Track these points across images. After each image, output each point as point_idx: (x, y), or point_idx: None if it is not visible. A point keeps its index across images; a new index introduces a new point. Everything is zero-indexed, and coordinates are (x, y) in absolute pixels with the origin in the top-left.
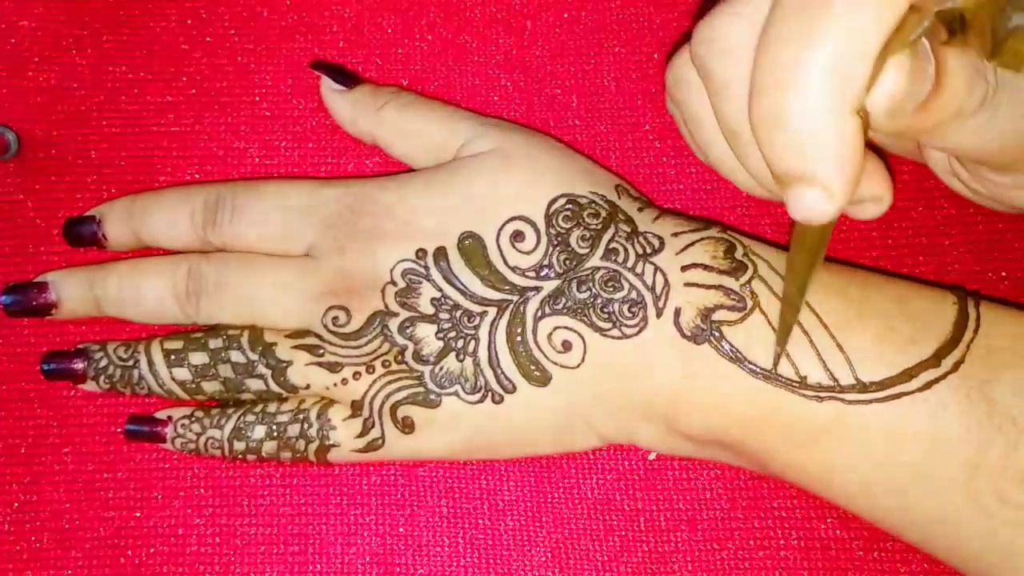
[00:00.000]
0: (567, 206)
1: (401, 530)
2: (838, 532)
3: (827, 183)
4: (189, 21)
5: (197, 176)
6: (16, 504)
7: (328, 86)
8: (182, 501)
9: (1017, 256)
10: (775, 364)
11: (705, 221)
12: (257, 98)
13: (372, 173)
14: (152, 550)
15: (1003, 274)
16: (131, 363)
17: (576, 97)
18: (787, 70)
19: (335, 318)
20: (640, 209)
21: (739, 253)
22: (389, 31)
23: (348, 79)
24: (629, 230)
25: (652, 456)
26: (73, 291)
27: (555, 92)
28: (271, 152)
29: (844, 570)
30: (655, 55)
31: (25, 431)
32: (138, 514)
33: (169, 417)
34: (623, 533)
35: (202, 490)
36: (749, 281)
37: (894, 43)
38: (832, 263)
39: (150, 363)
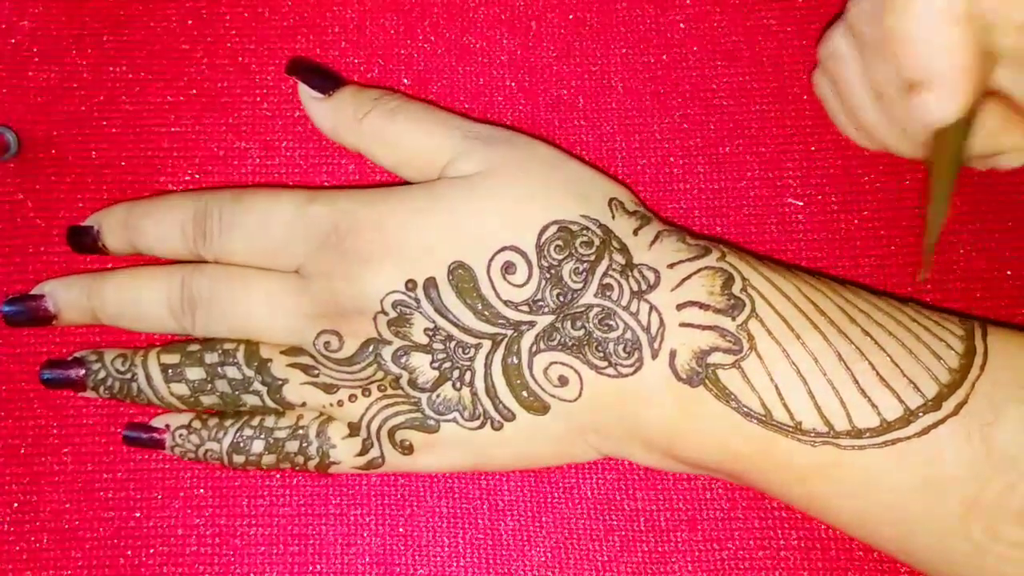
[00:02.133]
0: (558, 234)
1: (401, 530)
2: (838, 532)
3: (942, 85)
4: (189, 21)
5: (197, 176)
6: (16, 504)
7: (306, 93)
8: (182, 501)
9: (1023, 255)
10: (923, 275)
11: (704, 245)
12: (258, 98)
13: (372, 174)
14: (152, 550)
15: (1008, 273)
16: (129, 376)
17: (583, 98)
18: None
19: (327, 343)
20: (636, 231)
21: (737, 287)
22: (392, 32)
23: (328, 82)
24: (623, 262)
25: None
26: (71, 302)
27: (561, 93)
28: (272, 152)
29: (844, 570)
30: (663, 56)
31: (25, 431)
32: (138, 514)
33: (167, 426)
34: (623, 533)
35: (202, 490)
36: (746, 322)
37: None
38: (838, 289)
39: (147, 377)
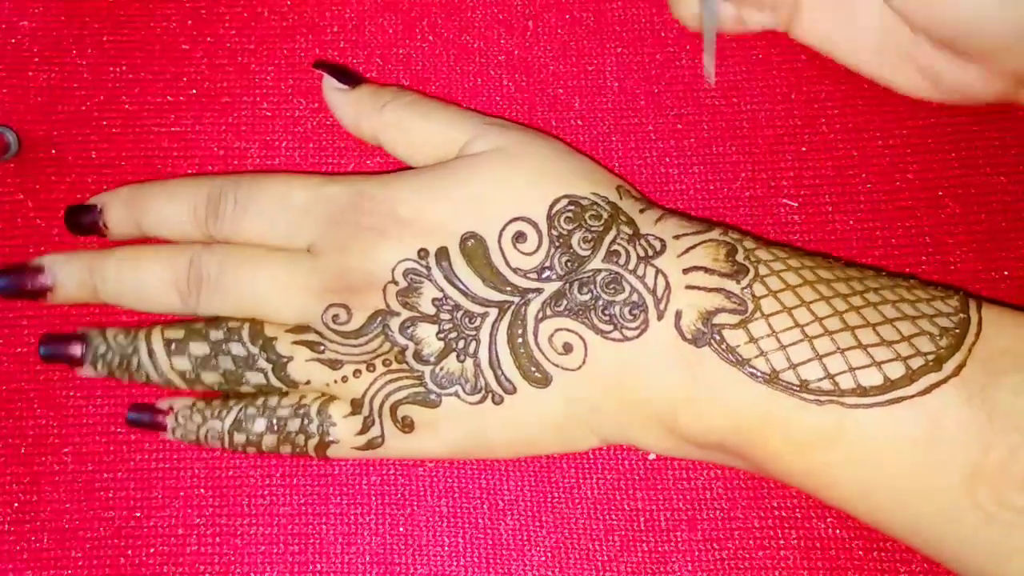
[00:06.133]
0: (569, 207)
1: (401, 530)
2: (838, 532)
3: None
4: (189, 21)
5: None
6: (16, 504)
7: (330, 85)
8: (182, 501)
9: (1019, 255)
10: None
11: (707, 223)
12: (258, 98)
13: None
14: (152, 550)
15: (1005, 273)
16: (131, 350)
17: (578, 98)
18: None
19: (335, 316)
20: (642, 211)
21: (740, 256)
22: (390, 31)
23: (350, 79)
24: (631, 232)
25: (652, 456)
26: (71, 275)
27: (557, 92)
28: (272, 152)
29: (844, 570)
30: (657, 56)
31: (25, 431)
32: (138, 514)
33: (170, 407)
34: (623, 533)
35: (202, 490)
36: (750, 284)
37: None
38: (836, 264)
39: (150, 351)
